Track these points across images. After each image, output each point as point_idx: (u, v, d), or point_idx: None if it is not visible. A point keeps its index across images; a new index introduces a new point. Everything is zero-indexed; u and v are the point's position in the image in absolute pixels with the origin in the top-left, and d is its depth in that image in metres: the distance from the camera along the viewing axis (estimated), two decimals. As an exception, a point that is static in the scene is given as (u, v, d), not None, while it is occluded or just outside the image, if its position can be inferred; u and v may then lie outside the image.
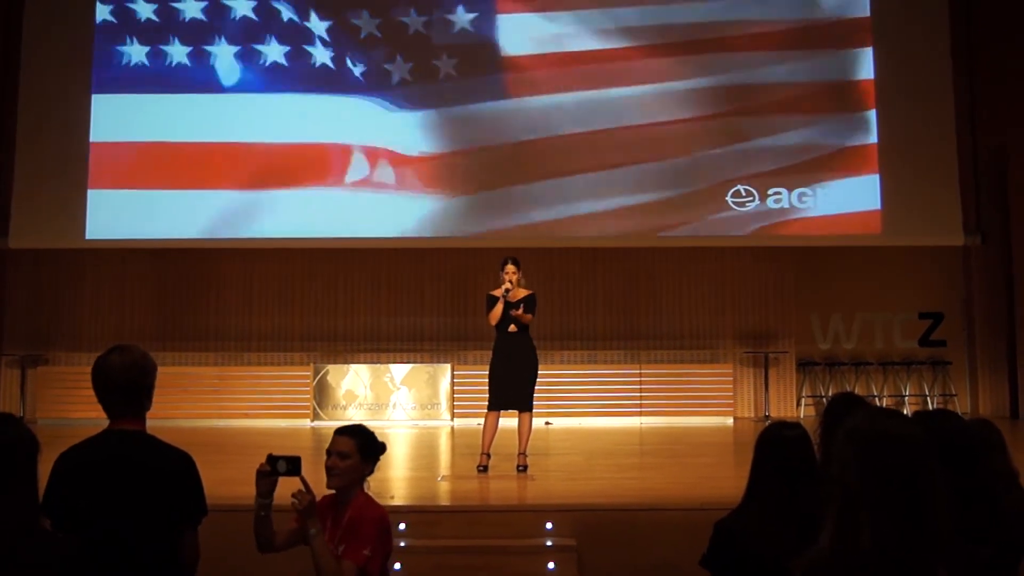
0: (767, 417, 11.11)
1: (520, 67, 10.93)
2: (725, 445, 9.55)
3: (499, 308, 7.14)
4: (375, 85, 10.94)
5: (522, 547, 5.48)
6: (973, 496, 2.70)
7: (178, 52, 10.98)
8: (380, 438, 3.50)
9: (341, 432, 3.43)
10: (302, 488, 3.24)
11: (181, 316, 11.45)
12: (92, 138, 10.90)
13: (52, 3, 11.13)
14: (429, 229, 10.83)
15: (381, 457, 3.50)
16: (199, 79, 10.97)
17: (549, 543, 5.50)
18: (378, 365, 11.10)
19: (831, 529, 1.90)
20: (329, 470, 3.36)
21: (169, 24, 11.02)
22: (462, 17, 10.99)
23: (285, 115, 10.92)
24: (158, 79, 10.95)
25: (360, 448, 3.36)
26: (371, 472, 3.45)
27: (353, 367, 11.05)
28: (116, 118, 10.90)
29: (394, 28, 11.00)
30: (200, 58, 10.99)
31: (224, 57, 11.00)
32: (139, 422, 2.87)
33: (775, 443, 2.88)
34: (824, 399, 10.97)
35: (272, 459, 3.25)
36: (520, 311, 7.09)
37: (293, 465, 3.24)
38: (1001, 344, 11.34)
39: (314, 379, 10.95)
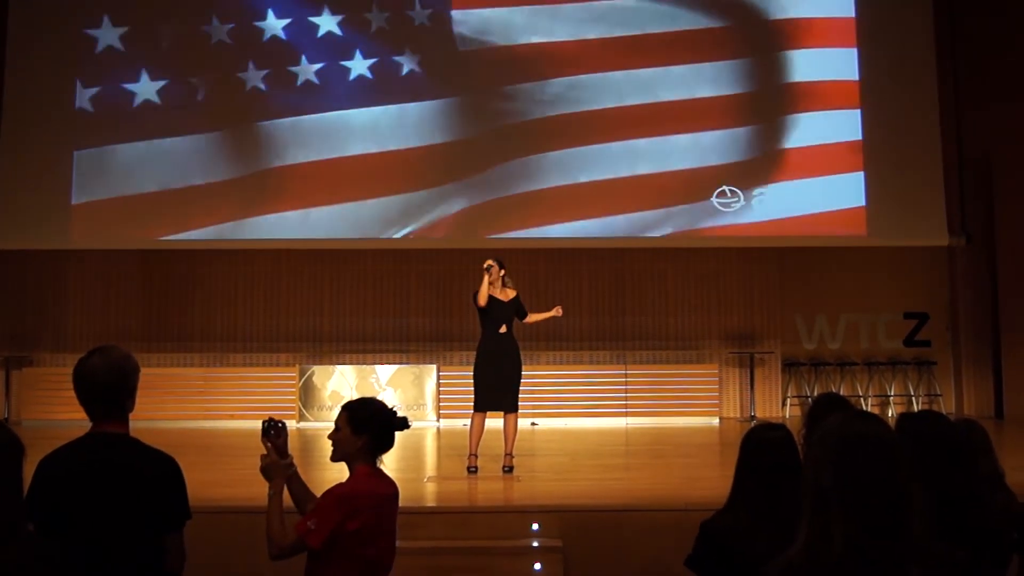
0: (753, 417, 11.15)
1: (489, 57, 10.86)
2: (711, 445, 9.57)
3: (484, 286, 7.18)
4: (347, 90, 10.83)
5: (508, 548, 5.50)
6: (959, 498, 2.72)
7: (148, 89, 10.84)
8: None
9: (342, 406, 3.43)
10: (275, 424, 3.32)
11: (166, 316, 11.40)
12: (77, 141, 10.77)
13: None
14: (414, 224, 10.67)
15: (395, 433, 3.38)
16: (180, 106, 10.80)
17: (535, 544, 5.52)
18: (364, 366, 11.09)
19: (804, 531, 1.90)
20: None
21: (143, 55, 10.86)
22: (420, 13, 10.86)
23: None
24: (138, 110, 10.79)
25: (350, 421, 3.30)
26: (368, 445, 3.30)
27: (339, 368, 11.03)
28: (103, 126, 10.81)
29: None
30: (179, 85, 10.83)
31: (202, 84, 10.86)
32: (122, 424, 2.84)
33: (759, 444, 2.89)
34: (809, 399, 11.00)
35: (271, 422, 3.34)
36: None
37: (265, 428, 3.33)
38: (986, 344, 11.42)
39: (300, 380, 10.92)
